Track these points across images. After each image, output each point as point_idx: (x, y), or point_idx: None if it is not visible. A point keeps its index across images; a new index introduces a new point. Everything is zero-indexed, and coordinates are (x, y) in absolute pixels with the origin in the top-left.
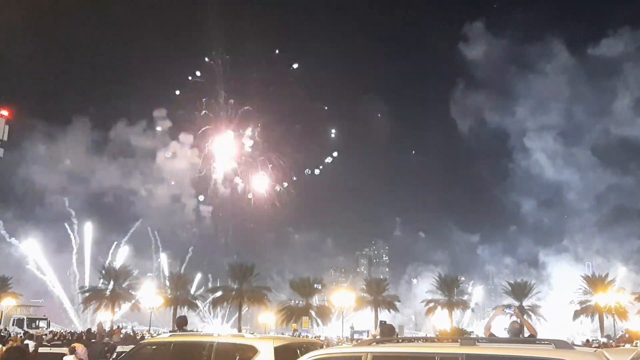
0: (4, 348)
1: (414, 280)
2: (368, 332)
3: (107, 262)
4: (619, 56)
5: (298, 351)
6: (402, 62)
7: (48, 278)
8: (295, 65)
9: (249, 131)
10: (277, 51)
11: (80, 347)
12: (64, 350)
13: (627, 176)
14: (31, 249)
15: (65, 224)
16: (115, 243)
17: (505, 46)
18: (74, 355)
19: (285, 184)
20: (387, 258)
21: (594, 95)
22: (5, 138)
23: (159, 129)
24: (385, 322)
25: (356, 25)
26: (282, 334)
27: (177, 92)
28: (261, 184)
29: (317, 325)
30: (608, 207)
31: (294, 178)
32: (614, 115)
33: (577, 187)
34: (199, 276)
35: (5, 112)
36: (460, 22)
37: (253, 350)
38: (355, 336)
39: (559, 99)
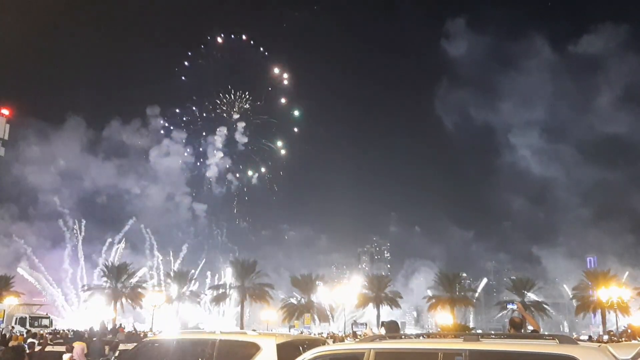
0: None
1: (420, 278)
2: (366, 324)
3: (107, 261)
4: (601, 52)
5: (300, 348)
6: (385, 59)
7: (42, 276)
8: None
9: (240, 127)
10: (262, 49)
11: (76, 346)
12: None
13: (614, 172)
14: (25, 247)
15: (60, 223)
16: (109, 241)
17: (487, 43)
18: (70, 354)
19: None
20: (388, 255)
21: (577, 91)
22: (7, 137)
23: (152, 125)
24: (384, 322)
25: (338, 25)
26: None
27: (170, 88)
28: (255, 180)
29: (320, 322)
30: (597, 203)
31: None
32: (598, 112)
33: (565, 183)
34: (197, 273)
35: (6, 112)
36: (441, 19)
37: (255, 347)
38: (354, 328)
39: (543, 95)
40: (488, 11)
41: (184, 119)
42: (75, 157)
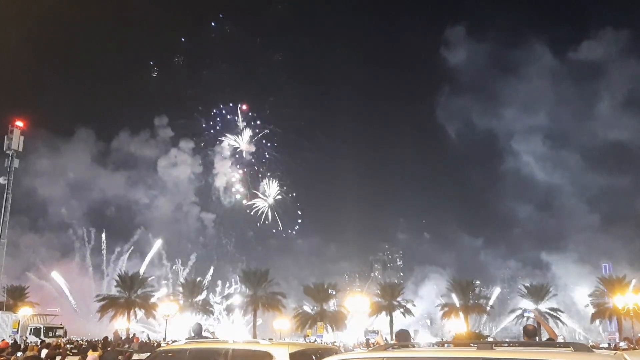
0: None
1: (431, 285)
2: (379, 331)
3: (120, 270)
4: (602, 58)
5: (313, 357)
6: (385, 68)
7: (53, 286)
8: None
9: (247, 137)
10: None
11: (89, 356)
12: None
13: (620, 178)
14: (35, 258)
15: (70, 234)
16: (118, 251)
17: (487, 50)
18: None
19: (286, 187)
20: (401, 262)
21: (578, 97)
22: (21, 149)
23: (160, 136)
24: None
25: (337, 35)
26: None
27: (177, 99)
28: (263, 189)
29: (335, 330)
30: (605, 209)
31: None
32: (600, 117)
33: (570, 189)
34: (207, 282)
35: (20, 124)
36: (440, 27)
37: (268, 357)
38: (367, 336)
39: (544, 101)
40: (488, 18)
41: (192, 129)
42: (85, 168)
